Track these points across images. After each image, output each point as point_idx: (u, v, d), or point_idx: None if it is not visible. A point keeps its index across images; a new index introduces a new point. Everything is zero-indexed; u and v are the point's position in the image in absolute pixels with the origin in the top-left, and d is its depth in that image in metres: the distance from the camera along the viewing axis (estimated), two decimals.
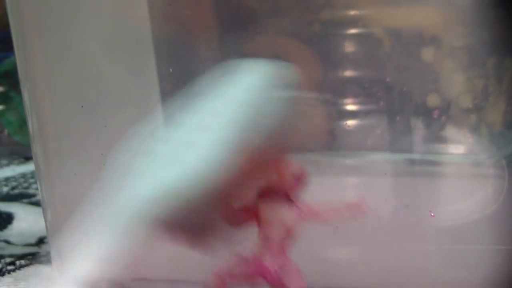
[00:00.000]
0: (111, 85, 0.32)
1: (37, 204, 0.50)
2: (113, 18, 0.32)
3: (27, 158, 0.66)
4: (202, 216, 0.21)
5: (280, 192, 0.23)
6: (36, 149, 0.32)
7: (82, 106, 0.31)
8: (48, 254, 0.35)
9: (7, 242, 0.43)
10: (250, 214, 0.23)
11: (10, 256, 0.38)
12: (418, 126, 0.30)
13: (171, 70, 0.32)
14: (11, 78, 0.65)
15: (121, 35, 0.32)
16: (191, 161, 0.20)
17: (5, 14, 0.32)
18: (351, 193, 0.30)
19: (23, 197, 0.53)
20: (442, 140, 0.30)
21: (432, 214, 0.29)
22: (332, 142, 0.31)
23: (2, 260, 0.37)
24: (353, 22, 0.29)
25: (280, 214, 0.23)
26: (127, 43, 0.32)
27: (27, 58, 0.32)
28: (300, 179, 0.23)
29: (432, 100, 0.29)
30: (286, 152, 0.23)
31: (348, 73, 0.30)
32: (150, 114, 0.28)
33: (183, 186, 0.20)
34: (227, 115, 0.21)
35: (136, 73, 0.32)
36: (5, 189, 0.56)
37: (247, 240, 0.24)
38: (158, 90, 0.32)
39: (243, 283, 0.23)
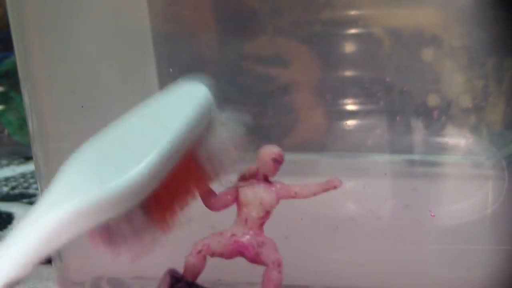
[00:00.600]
0: (111, 85, 0.32)
1: None
2: (113, 18, 0.32)
3: (27, 158, 0.66)
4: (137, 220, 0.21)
5: (261, 175, 0.25)
6: (36, 149, 0.32)
7: (82, 106, 0.31)
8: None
9: None
10: (231, 197, 0.25)
11: None
12: (418, 127, 0.30)
13: (171, 70, 0.32)
14: (11, 78, 0.65)
15: (121, 35, 0.32)
16: (128, 162, 0.20)
17: (5, 14, 0.32)
18: (351, 193, 0.30)
19: (23, 197, 0.53)
20: (442, 140, 0.30)
21: (432, 214, 0.29)
22: (331, 142, 0.31)
23: None
24: (353, 22, 0.29)
25: (259, 195, 0.25)
26: (127, 43, 0.32)
27: (27, 58, 0.32)
28: (278, 162, 0.24)
29: (432, 100, 0.29)
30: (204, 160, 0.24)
31: (348, 73, 0.30)
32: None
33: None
34: (167, 125, 0.22)
35: (136, 73, 0.32)
36: (5, 189, 0.56)
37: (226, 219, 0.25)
38: (158, 90, 0.32)
39: (221, 257, 0.24)
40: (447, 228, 0.29)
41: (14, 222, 0.46)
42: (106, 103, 0.32)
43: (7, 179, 0.59)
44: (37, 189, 0.54)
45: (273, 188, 0.25)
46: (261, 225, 0.25)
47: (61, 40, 0.31)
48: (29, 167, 0.63)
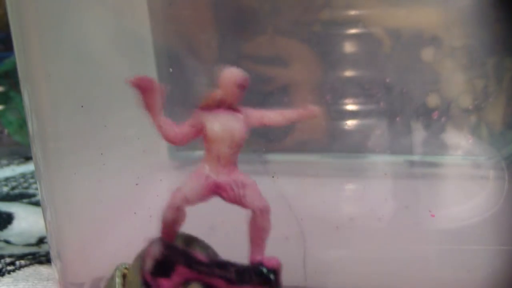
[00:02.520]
0: (111, 85, 0.32)
1: (37, 204, 0.50)
2: (113, 19, 0.32)
3: (27, 158, 0.66)
4: None
5: (224, 104, 0.22)
6: (36, 149, 0.32)
7: (82, 106, 0.31)
8: (48, 254, 0.35)
9: (7, 242, 0.43)
10: (195, 129, 0.22)
11: (10, 256, 0.38)
12: (418, 127, 0.30)
13: (171, 70, 0.32)
14: (11, 78, 0.65)
15: (121, 35, 0.32)
16: None
17: (5, 14, 0.32)
18: (351, 194, 0.30)
19: (23, 197, 0.53)
20: (442, 141, 0.30)
21: (432, 215, 0.29)
22: (332, 142, 0.31)
23: (2, 260, 0.37)
24: (353, 22, 0.29)
25: (229, 126, 0.22)
26: (127, 44, 0.32)
27: (27, 58, 0.32)
28: (243, 87, 0.22)
29: (432, 100, 0.29)
30: None
31: (348, 73, 0.30)
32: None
33: None
34: None
35: (136, 73, 0.32)
36: (5, 189, 0.56)
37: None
38: None
39: (199, 202, 0.22)
40: (447, 229, 0.29)
41: (14, 222, 0.46)
42: (106, 103, 0.32)
43: (7, 179, 0.59)
44: (37, 189, 0.54)
45: (241, 116, 0.22)
46: (235, 162, 0.22)
47: (61, 40, 0.31)
48: (29, 167, 0.63)
